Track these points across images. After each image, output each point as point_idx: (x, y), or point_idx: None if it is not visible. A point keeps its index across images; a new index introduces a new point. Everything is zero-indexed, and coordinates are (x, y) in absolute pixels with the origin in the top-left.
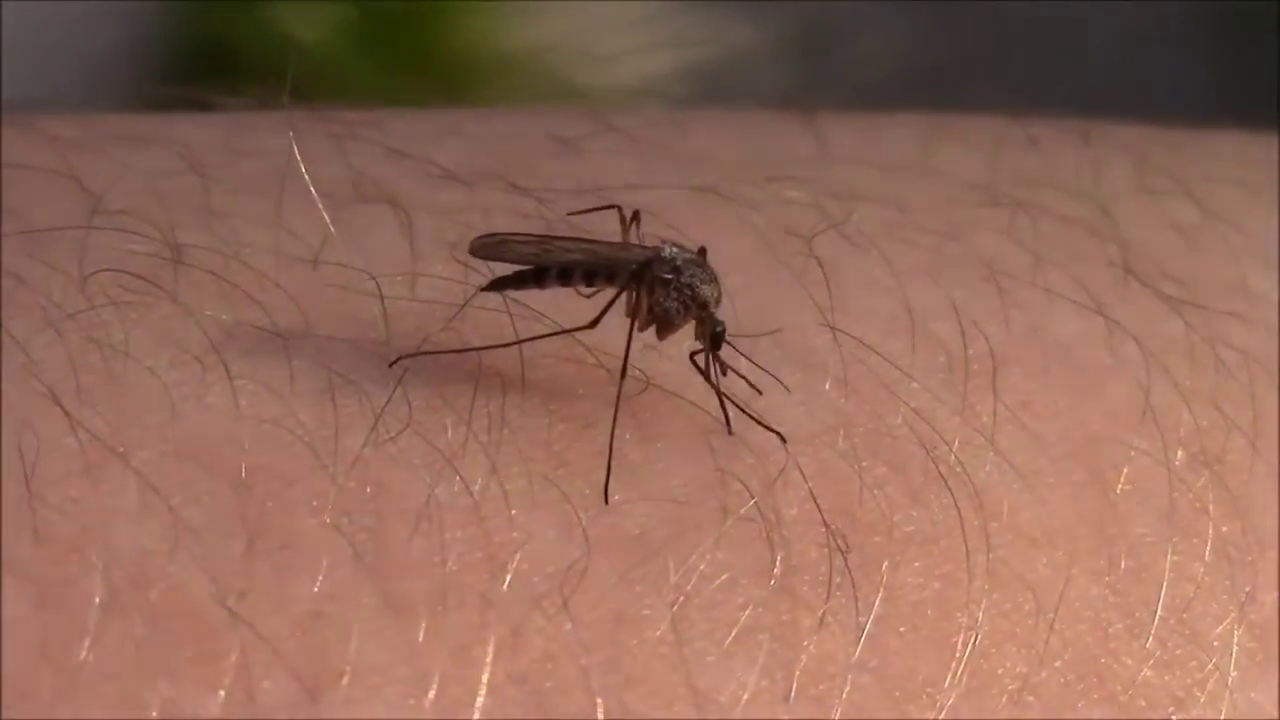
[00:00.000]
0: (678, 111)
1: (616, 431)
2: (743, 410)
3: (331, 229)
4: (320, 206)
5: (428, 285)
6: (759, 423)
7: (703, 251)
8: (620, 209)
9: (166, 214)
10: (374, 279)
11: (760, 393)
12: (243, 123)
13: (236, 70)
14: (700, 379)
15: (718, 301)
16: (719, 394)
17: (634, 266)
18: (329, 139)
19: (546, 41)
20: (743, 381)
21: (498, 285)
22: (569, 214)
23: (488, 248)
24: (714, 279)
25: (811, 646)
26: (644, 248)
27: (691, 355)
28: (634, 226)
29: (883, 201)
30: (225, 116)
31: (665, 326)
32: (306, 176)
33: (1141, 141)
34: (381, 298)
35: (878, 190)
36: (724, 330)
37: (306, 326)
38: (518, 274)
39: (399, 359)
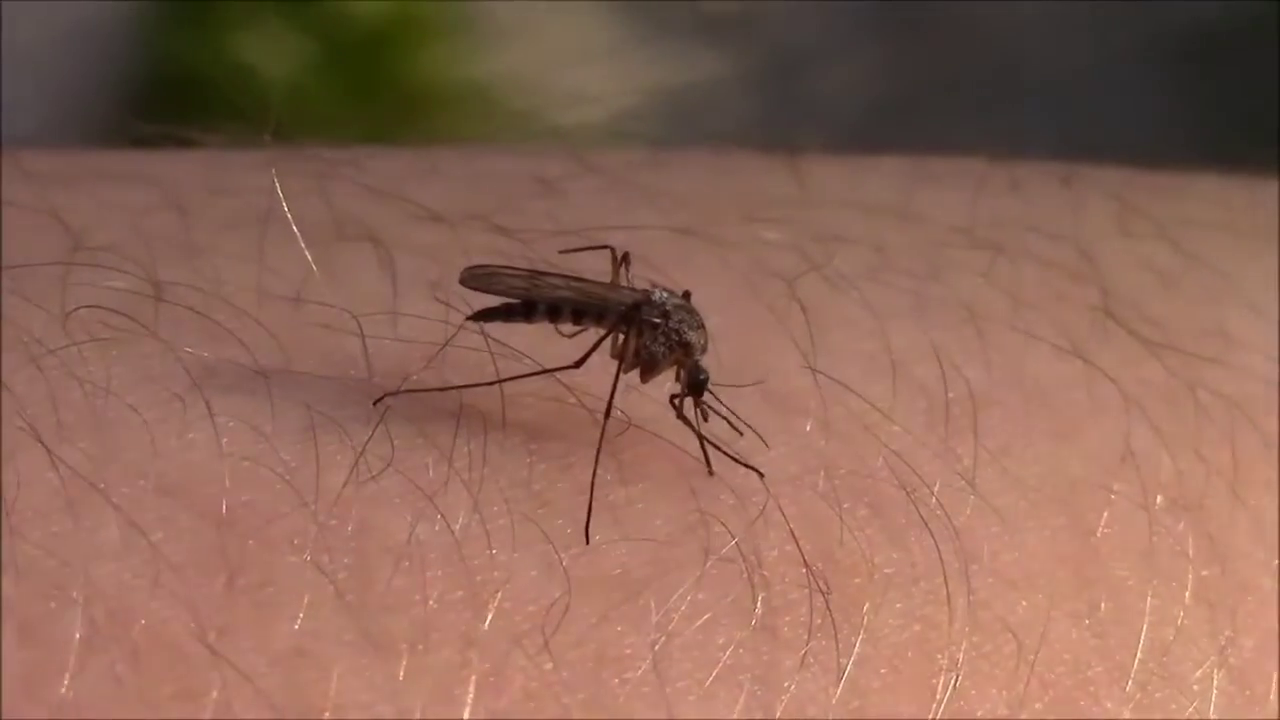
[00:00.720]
0: (658, 152)
1: (598, 471)
2: (722, 451)
3: (314, 267)
4: (302, 244)
5: (409, 324)
6: (739, 462)
7: (687, 295)
8: (613, 250)
9: (148, 251)
10: (355, 317)
11: (741, 434)
12: (222, 160)
13: (204, 103)
14: (678, 422)
15: (703, 348)
16: (699, 436)
17: (624, 308)
18: (309, 178)
19: (510, 73)
20: (724, 422)
21: (484, 316)
22: (561, 251)
23: (478, 278)
24: (701, 325)
25: (793, 687)
26: (633, 290)
27: (671, 398)
28: (624, 268)
29: (864, 244)
30: (205, 154)
31: (650, 369)
32: (289, 215)
33: (1122, 185)
34: (363, 336)
35: (859, 232)
36: (707, 379)
37: (288, 364)
38: (506, 306)
39: (382, 397)
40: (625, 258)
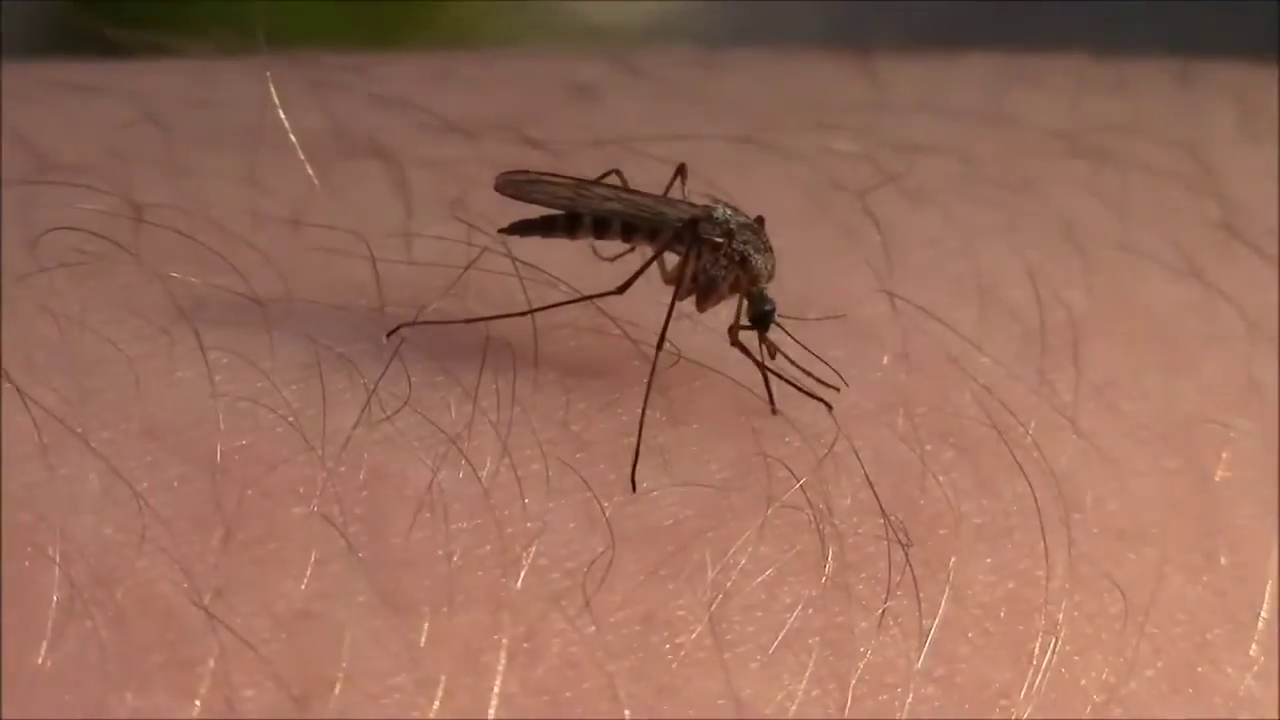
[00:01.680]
0: (709, 51)
1: (647, 410)
2: (787, 381)
3: (315, 183)
4: (302, 158)
5: (425, 247)
6: (805, 393)
7: (760, 221)
8: (684, 167)
9: (125, 170)
10: (363, 239)
11: (809, 373)
12: (206, 70)
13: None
14: (736, 352)
15: (770, 275)
16: (762, 370)
17: (680, 224)
18: (307, 86)
19: None
20: (785, 354)
21: (521, 229)
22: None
23: (516, 185)
24: (768, 247)
25: (869, 653)
26: (692, 205)
27: (730, 329)
28: (679, 182)
29: (948, 152)
30: (186, 63)
31: (707, 296)
32: (286, 124)
33: (1245, 83)
34: (373, 259)
35: (942, 140)
36: (774, 310)
37: (288, 293)
38: (545, 219)
39: (397, 329)
40: (681, 169)
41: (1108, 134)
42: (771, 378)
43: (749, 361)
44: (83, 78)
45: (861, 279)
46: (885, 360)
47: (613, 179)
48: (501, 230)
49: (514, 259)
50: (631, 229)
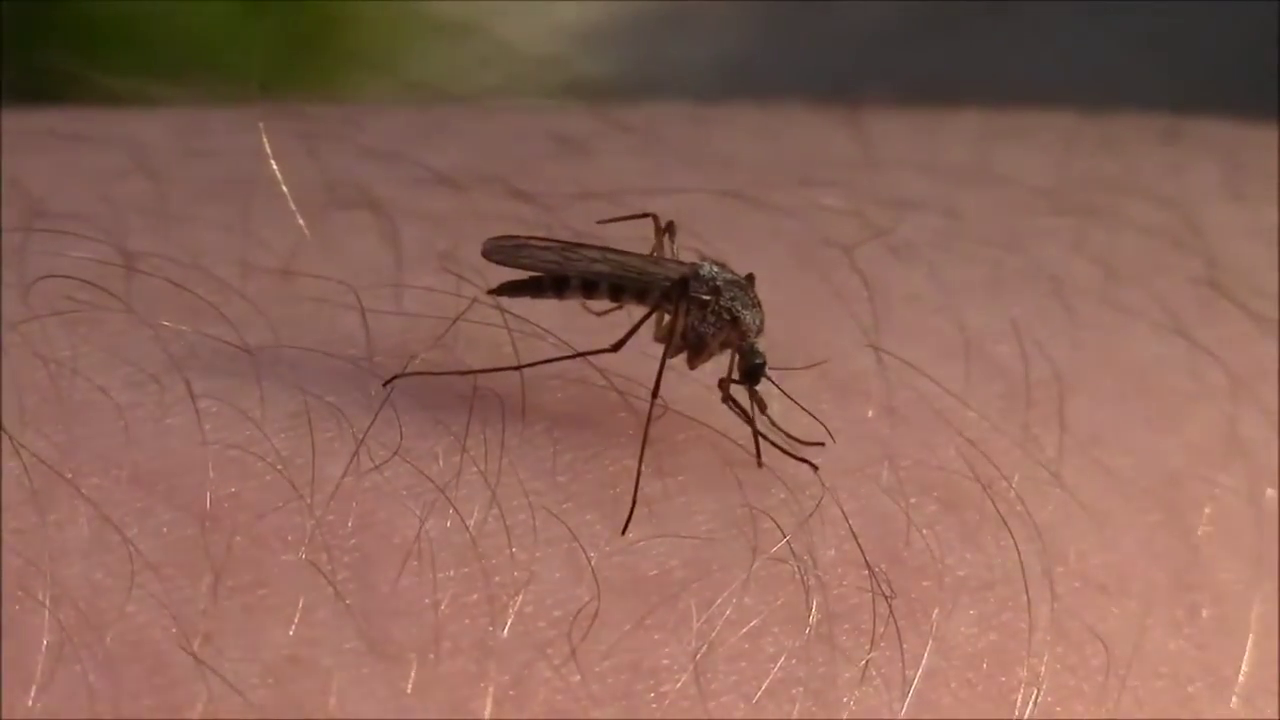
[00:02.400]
0: (697, 107)
1: (633, 462)
2: (771, 442)
3: (306, 233)
4: (294, 207)
5: (415, 298)
6: (789, 454)
7: (750, 278)
8: (656, 218)
9: (117, 220)
10: (353, 290)
11: (802, 431)
12: (199, 120)
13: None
14: (724, 406)
15: (760, 330)
16: (751, 425)
17: (668, 284)
18: (299, 137)
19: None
20: (772, 408)
21: (509, 290)
22: (599, 222)
23: (503, 251)
24: (756, 303)
25: (852, 703)
26: (679, 263)
27: (721, 383)
28: (667, 238)
29: (934, 209)
30: (178, 112)
31: (698, 353)
32: (280, 176)
33: (1232, 141)
34: (363, 310)
35: (928, 195)
36: (764, 364)
37: (277, 342)
38: (534, 280)
39: (391, 379)
40: (669, 227)
41: (1094, 191)
42: (759, 433)
43: (736, 414)
44: (75, 126)
45: (848, 334)
46: (870, 414)
47: (620, 226)
48: (491, 291)
49: (503, 311)
50: (619, 289)
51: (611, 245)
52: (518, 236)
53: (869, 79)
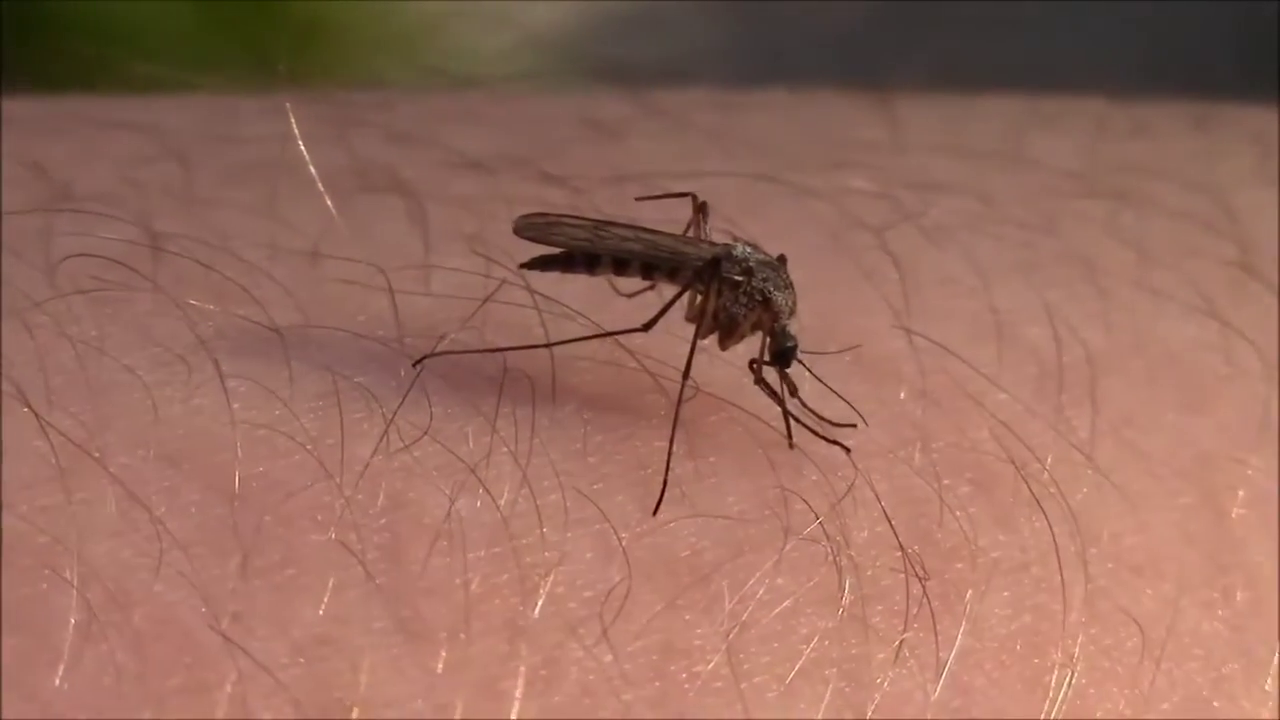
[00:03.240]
0: (727, 92)
1: (664, 443)
2: (803, 424)
3: (335, 215)
4: (322, 189)
5: (444, 279)
6: (820, 436)
7: (782, 259)
8: (695, 196)
9: (144, 202)
10: (382, 271)
11: (835, 412)
12: (226, 106)
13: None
14: (756, 388)
15: (792, 312)
16: (782, 406)
17: (701, 263)
18: (327, 122)
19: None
20: (804, 389)
21: (541, 264)
22: (637, 199)
23: (535, 228)
24: (788, 284)
25: (885, 684)
26: (712, 244)
27: (752, 364)
28: (701, 220)
29: (966, 192)
30: (206, 99)
31: (729, 334)
32: (308, 158)
33: (1264, 127)
34: (391, 291)
35: (960, 179)
36: (795, 346)
37: (306, 323)
38: (565, 255)
39: (421, 359)
40: (703, 207)
41: (1126, 175)
42: (790, 415)
43: (767, 396)
44: (103, 112)
45: (880, 316)
46: (902, 395)
47: (649, 207)
48: (522, 265)
49: (532, 291)
50: (651, 268)
51: (643, 225)
52: (549, 213)
53: (897, 67)
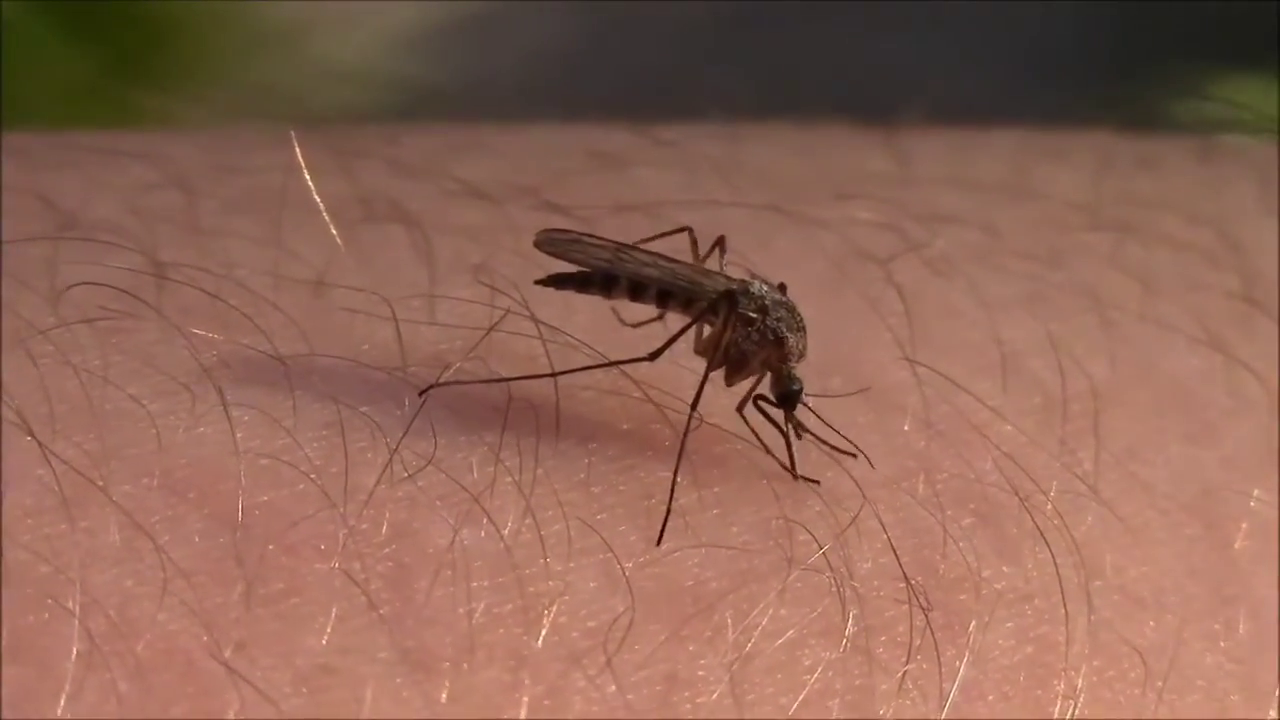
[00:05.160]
0: (731, 124)
1: (668, 474)
2: (818, 443)
3: (339, 243)
4: (326, 218)
5: (449, 309)
6: (832, 449)
7: (782, 288)
8: (692, 231)
9: (148, 232)
10: (387, 301)
11: (844, 450)
12: (230, 138)
13: None
14: (759, 418)
15: (802, 355)
16: (787, 441)
17: (716, 296)
18: (331, 154)
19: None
20: (805, 422)
21: (556, 282)
22: (642, 241)
23: (556, 244)
24: (801, 327)
25: (889, 715)
26: (728, 277)
27: (756, 399)
28: (717, 253)
29: (971, 223)
30: (210, 132)
31: (737, 370)
32: (312, 186)
33: (1268, 160)
34: (396, 320)
35: (966, 211)
36: (801, 389)
37: (311, 352)
38: (583, 274)
39: (426, 389)
40: (720, 242)
41: (1131, 208)
42: (793, 445)
43: (771, 427)
44: (107, 144)
45: (884, 347)
46: (906, 427)
47: (657, 244)
48: (538, 282)
49: (537, 321)
50: (667, 295)
51: (664, 253)
52: (571, 231)
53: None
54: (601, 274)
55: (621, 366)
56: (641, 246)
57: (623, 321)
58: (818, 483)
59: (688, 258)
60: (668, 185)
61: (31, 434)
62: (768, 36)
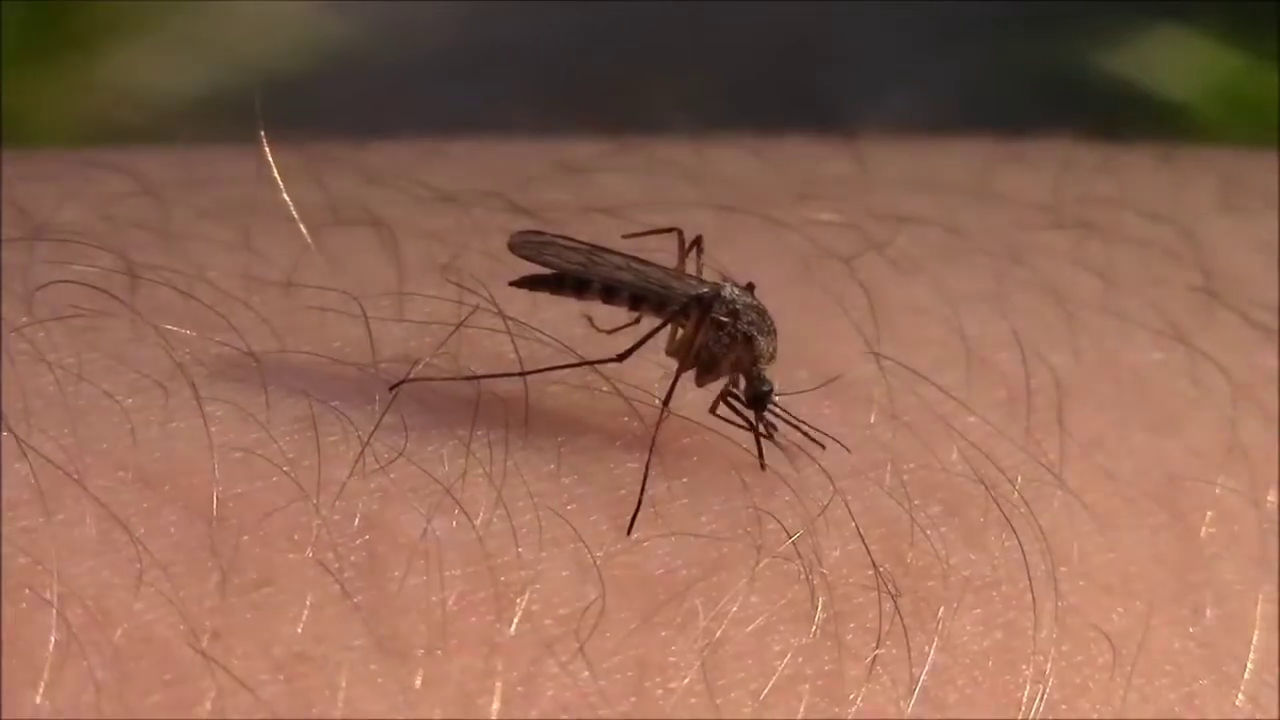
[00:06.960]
0: (697, 136)
1: (637, 465)
2: (777, 443)
3: (309, 242)
4: (297, 217)
5: (417, 307)
6: (808, 438)
7: (750, 288)
8: (681, 233)
9: (120, 237)
10: (356, 299)
11: (819, 443)
12: (202, 153)
13: None
14: (729, 412)
15: (772, 357)
16: (755, 432)
17: (688, 299)
18: (302, 162)
19: None
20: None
21: (529, 284)
22: (624, 236)
23: (530, 246)
24: (772, 330)
25: (859, 700)
26: (701, 281)
27: (726, 395)
28: (694, 254)
29: (932, 223)
30: (177, 148)
31: (708, 372)
32: (282, 186)
33: (1228, 162)
34: (366, 318)
35: (928, 212)
36: (771, 391)
37: (283, 349)
38: (556, 276)
39: (397, 384)
40: (697, 242)
41: (1092, 207)
42: (762, 442)
43: (741, 421)
44: (81, 158)
45: (849, 341)
46: (873, 419)
47: (640, 244)
48: (512, 283)
49: (505, 317)
50: (639, 299)
51: (636, 255)
52: (545, 233)
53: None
54: (574, 277)
55: (594, 366)
56: (615, 250)
57: (596, 327)
58: (788, 473)
59: (673, 260)
60: (633, 189)
61: (9, 428)
62: (730, 45)
